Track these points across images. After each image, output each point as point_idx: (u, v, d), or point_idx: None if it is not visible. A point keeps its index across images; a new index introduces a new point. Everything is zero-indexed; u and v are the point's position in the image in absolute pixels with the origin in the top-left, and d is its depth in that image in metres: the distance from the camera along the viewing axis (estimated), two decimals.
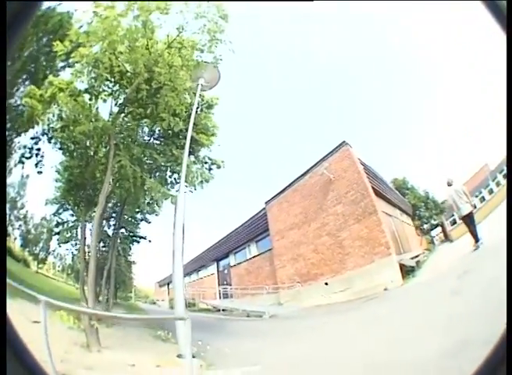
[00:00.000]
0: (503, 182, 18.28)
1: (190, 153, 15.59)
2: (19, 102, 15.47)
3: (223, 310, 21.13)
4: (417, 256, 19.26)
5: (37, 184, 18.50)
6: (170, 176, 18.39)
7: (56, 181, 19.30)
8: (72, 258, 21.51)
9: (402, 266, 16.58)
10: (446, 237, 21.27)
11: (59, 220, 20.57)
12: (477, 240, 14.28)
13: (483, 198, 19.08)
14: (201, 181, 17.88)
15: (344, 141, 19.03)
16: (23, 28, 3.30)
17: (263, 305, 19.07)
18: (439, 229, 22.53)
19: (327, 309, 16.48)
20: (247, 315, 18.88)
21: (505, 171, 17.88)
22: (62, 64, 15.75)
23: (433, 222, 22.55)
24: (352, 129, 22.77)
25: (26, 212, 19.79)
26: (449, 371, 5.82)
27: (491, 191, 18.95)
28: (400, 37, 21.15)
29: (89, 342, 11.12)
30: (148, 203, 20.03)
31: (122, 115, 15.94)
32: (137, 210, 21.46)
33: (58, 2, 16.11)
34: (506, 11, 2.90)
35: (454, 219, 20.28)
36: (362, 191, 17.79)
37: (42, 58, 15.64)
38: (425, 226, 22.92)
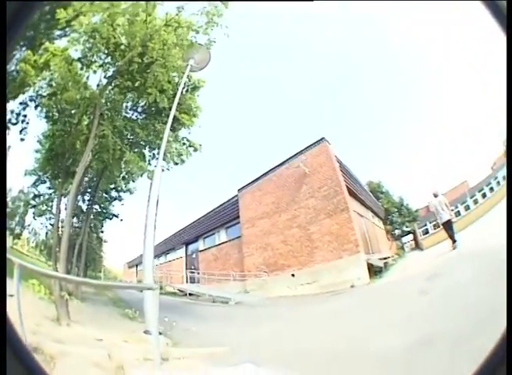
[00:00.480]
0: (481, 201, 18.66)
1: (171, 131, 15.63)
2: (13, 68, 15.43)
3: (190, 294, 21.03)
4: (385, 258, 19.45)
5: (17, 157, 18.39)
6: (149, 151, 18.38)
7: (36, 152, 19.21)
8: (46, 233, 21.42)
9: (370, 266, 16.78)
10: (417, 245, 21.55)
11: (36, 193, 20.48)
12: (454, 241, 16.23)
13: (459, 213, 19.36)
14: (177, 163, 17.98)
15: (323, 138, 19.20)
16: (23, 28, 3.34)
17: (229, 292, 19.14)
18: (411, 236, 22.75)
19: (292, 300, 16.63)
20: (212, 300, 18.88)
21: (484, 190, 18.31)
22: (59, 32, 15.72)
23: (405, 228, 22.76)
24: (336, 127, 22.91)
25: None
26: (409, 363, 6.03)
27: (467, 208, 19.21)
28: (399, 37, 21.35)
29: (59, 315, 11.16)
30: (124, 177, 19.99)
31: (111, 86, 15.99)
32: (112, 187, 21.44)
33: None
34: (506, 11, 2.92)
35: (427, 229, 20.66)
36: (336, 187, 17.96)
37: (42, 26, 15.63)
38: (397, 231, 23.12)
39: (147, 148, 18.21)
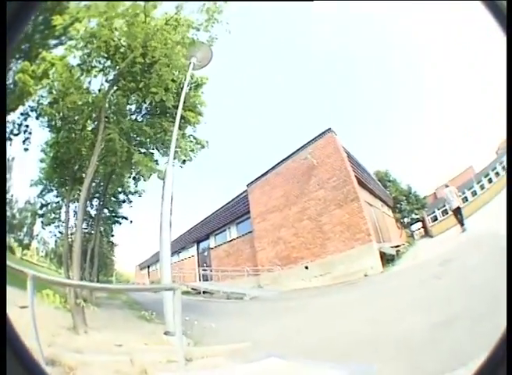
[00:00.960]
0: (487, 186, 18.71)
1: (178, 129, 15.68)
2: (10, 80, 15.46)
3: (204, 292, 21.03)
4: (397, 246, 19.46)
5: (22, 167, 18.44)
6: (158, 151, 18.40)
7: (41, 162, 19.28)
8: (55, 242, 21.50)
9: (382, 254, 16.78)
10: (427, 233, 21.64)
11: (43, 202, 20.57)
12: (462, 224, 17.50)
13: (466, 199, 19.42)
14: (184, 160, 18.03)
15: (329, 128, 19.22)
16: (23, 28, 3.35)
17: (243, 288, 19.15)
18: (420, 224, 22.80)
19: (307, 293, 16.64)
20: (227, 297, 18.91)
21: (490, 175, 18.36)
22: (54, 42, 15.77)
23: (414, 216, 22.80)
24: (341, 119, 22.93)
25: (12, 196, 19.62)
26: (434, 343, 6.10)
27: (474, 193, 19.31)
28: (399, 37, 21.36)
29: (75, 323, 11.15)
30: (134, 178, 20.04)
31: (114, 89, 16.02)
32: (120, 190, 21.48)
33: None
34: (506, 11, 2.90)
35: (435, 216, 20.74)
36: (345, 177, 17.98)
37: (37, 37, 15.67)
38: (406, 219, 23.17)
39: (154, 147, 18.17)
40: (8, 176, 18.17)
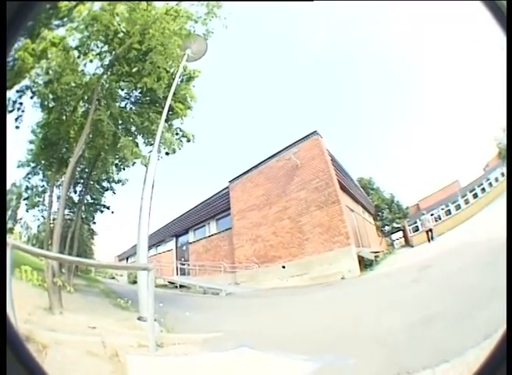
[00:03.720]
0: (472, 201, 19.03)
1: (166, 120, 15.81)
2: (11, 58, 15.55)
3: (180, 286, 21.14)
4: (376, 252, 19.69)
5: (11, 149, 18.45)
6: (144, 138, 18.49)
7: (30, 143, 19.34)
8: (38, 227, 21.51)
9: (360, 259, 17.01)
10: (407, 242, 21.89)
11: (28, 185, 20.61)
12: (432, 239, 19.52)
13: (449, 212, 19.76)
14: (168, 153, 18.12)
15: (315, 131, 19.49)
16: (23, 28, 3.32)
17: (220, 284, 19.23)
18: (400, 234, 23.03)
19: (283, 291, 16.80)
20: (203, 292, 19.04)
21: (475, 191, 18.68)
22: (57, 22, 15.90)
23: (395, 225, 23.02)
24: (329, 123, 23.12)
25: None
26: (410, 340, 6.29)
27: (458, 207, 19.57)
28: (399, 37, 21.54)
29: (51, 303, 11.21)
30: (116, 165, 20.12)
31: (109, 73, 16.20)
32: (104, 177, 21.54)
33: None
34: (506, 11, 2.93)
35: (417, 226, 20.95)
36: (327, 180, 18.30)
37: (42, 16, 15.78)
38: (387, 228, 23.38)
39: (140, 135, 18.27)
40: None
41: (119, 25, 15.08)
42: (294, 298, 14.95)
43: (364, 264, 17.39)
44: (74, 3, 14.64)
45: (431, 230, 20.08)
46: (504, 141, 16.83)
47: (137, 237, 12.28)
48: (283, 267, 18.43)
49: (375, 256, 18.85)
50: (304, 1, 17.21)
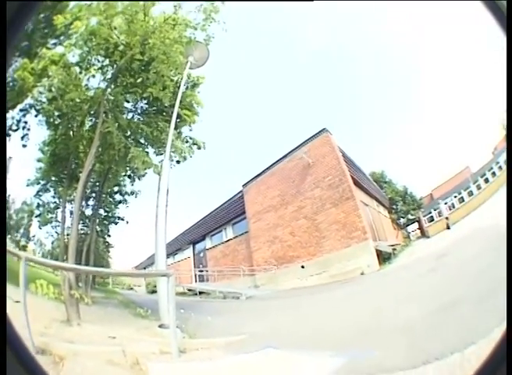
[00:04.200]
0: (484, 186, 18.93)
1: (175, 128, 15.87)
2: (10, 78, 15.61)
3: (200, 293, 21.06)
4: (393, 246, 19.59)
5: (19, 167, 18.52)
6: (154, 149, 18.55)
7: (38, 161, 19.41)
8: (52, 243, 21.53)
9: (378, 252, 16.93)
10: (423, 234, 21.79)
11: (40, 202, 20.64)
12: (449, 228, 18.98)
13: (462, 199, 19.66)
14: (179, 161, 18.13)
15: (325, 128, 19.46)
16: (23, 28, 3.45)
17: (239, 288, 19.19)
18: (416, 225, 22.92)
19: (304, 291, 16.76)
20: (223, 297, 18.94)
21: (486, 175, 18.56)
22: (54, 41, 15.98)
23: (410, 217, 22.93)
24: (337, 119, 23.11)
25: (8, 196, 19.64)
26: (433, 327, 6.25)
27: (470, 193, 19.46)
28: (399, 37, 21.53)
29: (69, 315, 11.20)
30: (129, 176, 20.17)
31: (113, 85, 16.28)
32: (116, 190, 21.60)
33: None
34: (506, 11, 2.92)
35: (432, 216, 20.84)
36: (340, 176, 18.27)
37: (37, 35, 15.85)
38: (402, 220, 23.29)
39: (150, 146, 18.32)
40: None
41: (118, 38, 15.12)
42: (314, 296, 14.92)
43: (383, 258, 17.30)
44: (70, 20, 14.71)
45: (447, 218, 20.00)
46: None
47: (155, 243, 12.29)
48: (302, 267, 18.41)
49: (393, 249, 18.77)
50: (304, 1, 17.21)
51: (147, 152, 17.80)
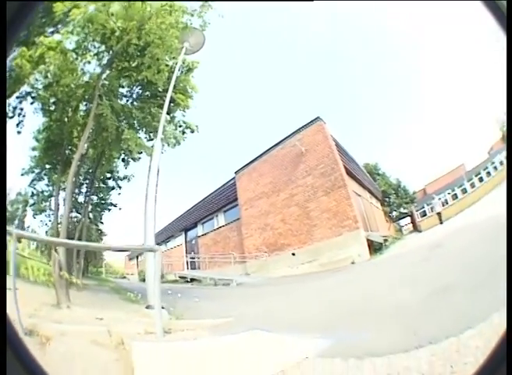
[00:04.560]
0: (478, 185, 19.01)
1: (167, 113, 15.93)
2: (8, 68, 15.64)
3: (191, 280, 21.19)
4: (385, 237, 19.64)
5: (14, 158, 18.55)
6: (146, 133, 18.61)
7: (33, 150, 19.43)
8: (46, 232, 21.49)
9: (370, 242, 16.97)
10: (415, 228, 21.85)
11: (34, 191, 20.67)
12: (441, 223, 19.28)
13: (456, 196, 19.73)
14: (174, 144, 18.20)
15: (318, 117, 19.50)
16: (23, 28, 3.37)
17: (231, 275, 19.19)
18: (408, 219, 22.98)
19: (294, 279, 16.81)
20: (214, 283, 19.03)
21: (481, 174, 18.65)
22: (51, 29, 16.02)
23: (403, 210, 22.97)
24: (332, 109, 23.15)
25: None
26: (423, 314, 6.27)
27: (464, 191, 19.54)
28: (399, 36, 21.58)
29: (58, 298, 11.22)
30: (123, 160, 20.18)
31: (108, 70, 16.39)
32: (109, 176, 21.61)
33: None
34: (506, 11, 2.92)
35: (424, 211, 20.92)
36: (332, 164, 18.32)
37: (36, 23, 15.89)
38: (394, 213, 23.34)
39: (143, 131, 18.39)
40: None
41: (115, 23, 15.18)
42: (305, 284, 14.93)
43: (374, 248, 17.35)
44: (69, 7, 14.81)
45: (439, 213, 20.12)
46: None
47: (144, 220, 12.34)
48: (293, 254, 18.47)
49: (384, 240, 18.82)
50: (304, 1, 17.28)
51: (140, 138, 17.94)
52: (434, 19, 17.97)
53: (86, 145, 15.78)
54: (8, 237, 7.39)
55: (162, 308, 9.00)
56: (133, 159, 19.89)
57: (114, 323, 8.63)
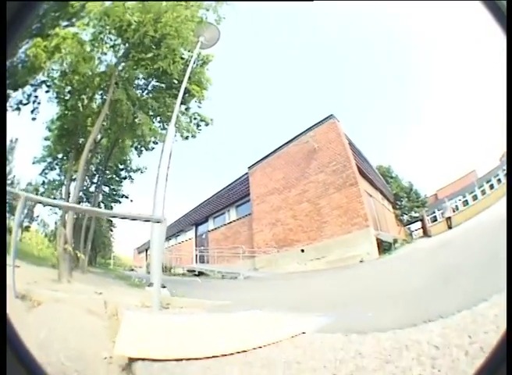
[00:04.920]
0: (488, 192, 18.96)
1: (182, 103, 16.10)
2: (22, 57, 15.85)
3: (199, 274, 21.17)
4: (395, 238, 19.63)
5: (26, 148, 18.77)
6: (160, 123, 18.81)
7: (45, 140, 19.65)
8: (55, 223, 21.63)
9: (379, 242, 16.93)
10: (425, 233, 21.79)
11: (45, 180, 20.84)
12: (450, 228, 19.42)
13: (466, 202, 19.71)
14: (187, 137, 18.40)
15: (332, 114, 19.64)
16: (23, 28, 3.43)
17: (238, 269, 19.27)
18: (419, 224, 22.94)
19: (301, 275, 16.87)
20: (221, 277, 19.10)
21: (491, 181, 18.61)
22: (66, 23, 16.23)
23: (414, 214, 22.95)
24: (347, 109, 23.18)
25: (14, 177, 19.80)
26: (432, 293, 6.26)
27: (475, 197, 19.51)
28: (399, 36, 21.61)
29: (60, 272, 11.28)
30: (136, 148, 20.33)
31: (125, 59, 16.62)
32: (122, 167, 21.77)
33: None
34: (506, 11, 2.76)
35: (435, 216, 20.89)
36: (345, 162, 18.42)
37: (49, 17, 16.09)
38: (405, 216, 23.30)
39: (157, 119, 18.57)
40: (10, 157, 18.45)
41: (132, 16, 15.39)
42: (312, 280, 14.98)
43: (383, 249, 17.34)
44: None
45: (449, 217, 20.20)
46: None
47: (154, 193, 12.51)
48: (302, 251, 18.49)
49: (394, 240, 18.82)
50: (304, 1, 17.36)
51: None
52: (434, 18, 18.02)
53: (99, 133, 15.96)
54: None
55: (164, 287, 9.09)
56: (146, 148, 20.11)
57: (112, 295, 8.66)
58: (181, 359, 3.56)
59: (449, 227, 19.55)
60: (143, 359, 3.62)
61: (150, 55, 16.27)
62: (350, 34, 23.97)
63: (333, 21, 22.94)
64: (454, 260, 9.23)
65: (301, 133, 20.88)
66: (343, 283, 11.57)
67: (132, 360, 3.71)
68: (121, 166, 21.86)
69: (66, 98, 17.53)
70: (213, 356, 3.71)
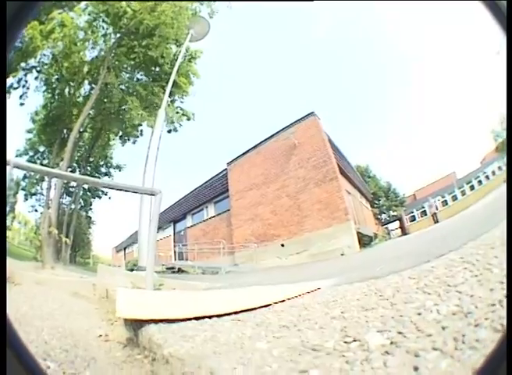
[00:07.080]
0: (468, 192, 19.48)
1: (169, 95, 16.43)
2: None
3: (179, 271, 21.23)
4: (374, 233, 20.03)
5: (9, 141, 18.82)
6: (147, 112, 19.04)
7: (28, 132, 19.75)
8: (36, 221, 21.66)
9: (359, 237, 17.23)
10: (404, 232, 22.23)
11: (26, 174, 20.85)
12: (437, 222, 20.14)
13: (446, 202, 20.19)
14: (169, 130, 18.68)
15: (313, 112, 20.20)
16: (23, 28, 3.60)
17: (219, 264, 19.35)
18: (397, 224, 23.32)
19: (282, 268, 17.03)
20: (202, 272, 19.22)
21: (472, 183, 19.15)
22: (60, 11, 16.45)
23: (392, 213, 23.32)
24: (329, 107, 23.64)
25: None
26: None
27: (454, 198, 20.01)
28: (399, 36, 22.15)
29: (44, 258, 11.27)
30: (121, 137, 20.54)
31: (117, 47, 16.97)
32: (102, 163, 21.93)
33: None
34: (506, 11, 2.38)
35: (414, 216, 21.31)
36: (325, 157, 19.12)
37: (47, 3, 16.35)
38: (384, 215, 23.69)
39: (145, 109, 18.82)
40: None
41: (128, 6, 15.70)
42: (293, 271, 15.21)
43: (364, 243, 17.64)
44: None
45: (435, 213, 21.00)
46: (502, 135, 17.41)
47: (144, 168, 12.70)
48: (282, 245, 18.95)
49: (375, 233, 19.21)
50: (304, 1, 17.70)
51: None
52: (433, 19, 18.43)
53: (84, 122, 16.14)
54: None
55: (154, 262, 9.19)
56: (131, 136, 20.28)
57: (100, 278, 8.63)
58: (190, 319, 3.39)
59: (436, 222, 20.35)
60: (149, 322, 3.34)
61: (143, 43, 16.58)
62: (337, 34, 24.49)
63: (323, 20, 23.43)
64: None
65: (281, 130, 21.59)
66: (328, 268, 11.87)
67: (135, 332, 3.56)
68: (101, 162, 21.99)
69: (54, 85, 17.73)
70: (238, 312, 3.58)
